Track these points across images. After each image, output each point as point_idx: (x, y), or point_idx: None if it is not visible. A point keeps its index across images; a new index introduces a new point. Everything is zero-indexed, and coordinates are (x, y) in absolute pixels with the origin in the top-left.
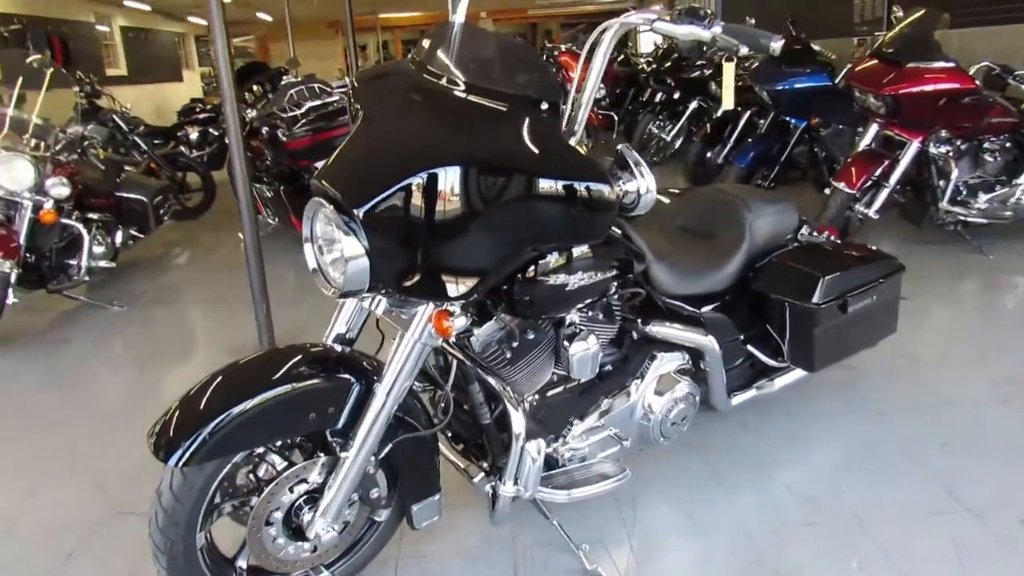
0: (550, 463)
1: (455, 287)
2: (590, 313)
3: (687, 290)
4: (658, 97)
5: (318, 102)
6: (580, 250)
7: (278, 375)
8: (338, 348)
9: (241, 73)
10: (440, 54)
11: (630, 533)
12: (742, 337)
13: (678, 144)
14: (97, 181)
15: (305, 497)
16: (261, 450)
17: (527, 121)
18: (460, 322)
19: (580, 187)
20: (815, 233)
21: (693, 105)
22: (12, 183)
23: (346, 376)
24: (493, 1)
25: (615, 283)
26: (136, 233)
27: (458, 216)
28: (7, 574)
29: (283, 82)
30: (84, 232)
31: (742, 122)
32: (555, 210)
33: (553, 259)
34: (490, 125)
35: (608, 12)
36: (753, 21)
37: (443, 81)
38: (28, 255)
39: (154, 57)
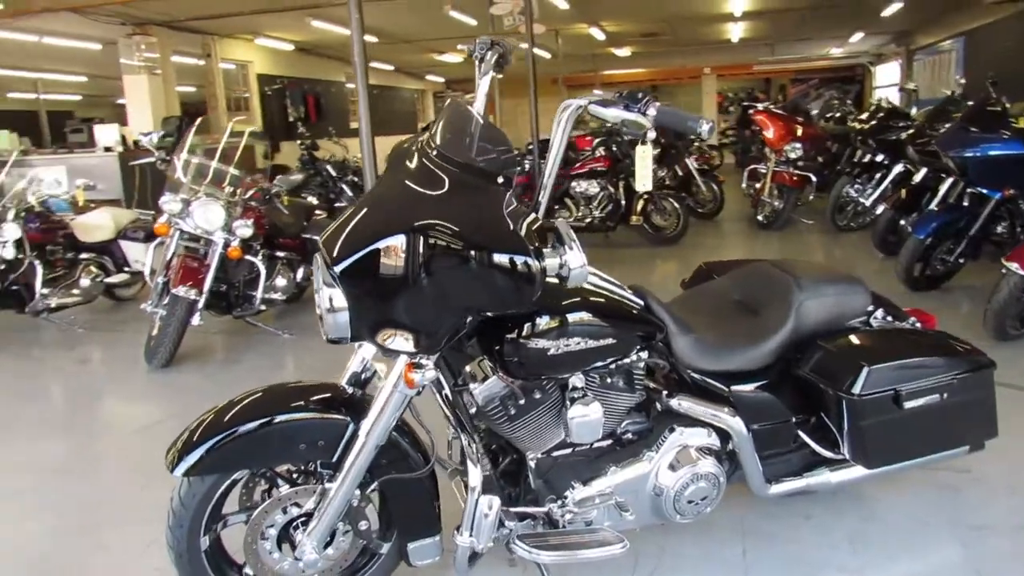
0: (553, 523)
1: (409, 343)
2: (609, 380)
3: (713, 366)
4: (866, 158)
5: None
6: (576, 316)
7: (280, 407)
8: (349, 389)
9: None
10: (438, 133)
11: None
12: (794, 420)
13: (879, 210)
14: (284, 224)
15: (303, 519)
16: (279, 469)
17: (476, 195)
18: (428, 375)
19: (506, 259)
20: (889, 318)
21: (898, 168)
22: (206, 223)
23: (343, 414)
24: (718, 56)
25: (635, 352)
26: None
27: (402, 279)
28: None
29: None
30: (261, 267)
31: (943, 189)
32: (482, 278)
33: (544, 322)
34: (442, 197)
35: (835, 68)
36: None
37: (434, 155)
38: (220, 285)
39: (394, 111)
